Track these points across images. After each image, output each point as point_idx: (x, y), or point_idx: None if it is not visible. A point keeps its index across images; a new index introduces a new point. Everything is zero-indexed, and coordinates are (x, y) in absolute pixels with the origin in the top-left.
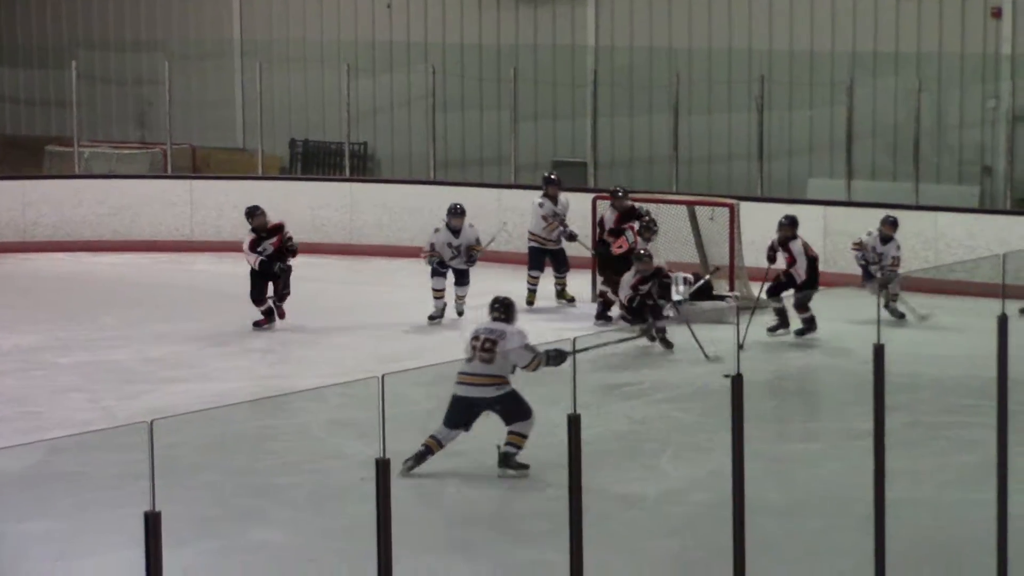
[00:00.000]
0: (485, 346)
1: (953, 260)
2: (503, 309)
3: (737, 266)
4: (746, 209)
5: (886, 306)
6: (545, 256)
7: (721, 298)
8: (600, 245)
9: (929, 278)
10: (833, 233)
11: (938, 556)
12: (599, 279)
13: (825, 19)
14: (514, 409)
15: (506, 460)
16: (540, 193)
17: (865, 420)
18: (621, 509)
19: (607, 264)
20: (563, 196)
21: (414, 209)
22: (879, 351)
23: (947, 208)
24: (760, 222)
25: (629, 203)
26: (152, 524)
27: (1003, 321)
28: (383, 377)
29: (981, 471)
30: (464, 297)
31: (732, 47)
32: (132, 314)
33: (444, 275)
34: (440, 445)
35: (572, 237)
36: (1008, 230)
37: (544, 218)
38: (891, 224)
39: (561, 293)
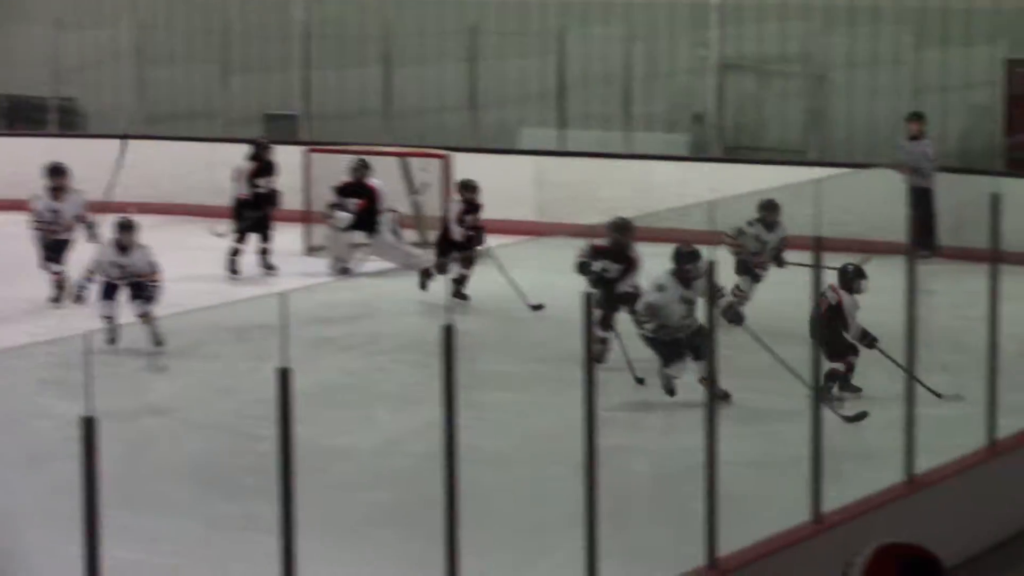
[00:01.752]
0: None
1: (664, 208)
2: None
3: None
4: (459, 160)
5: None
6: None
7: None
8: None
9: (642, 226)
10: (546, 182)
11: (648, 501)
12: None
13: None
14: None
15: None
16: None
17: (578, 366)
18: (334, 462)
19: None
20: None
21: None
22: (588, 299)
23: (659, 156)
24: (473, 173)
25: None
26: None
27: (711, 268)
28: (87, 335)
29: (694, 418)
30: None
31: None
32: None
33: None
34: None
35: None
36: (718, 177)
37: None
38: (773, 208)
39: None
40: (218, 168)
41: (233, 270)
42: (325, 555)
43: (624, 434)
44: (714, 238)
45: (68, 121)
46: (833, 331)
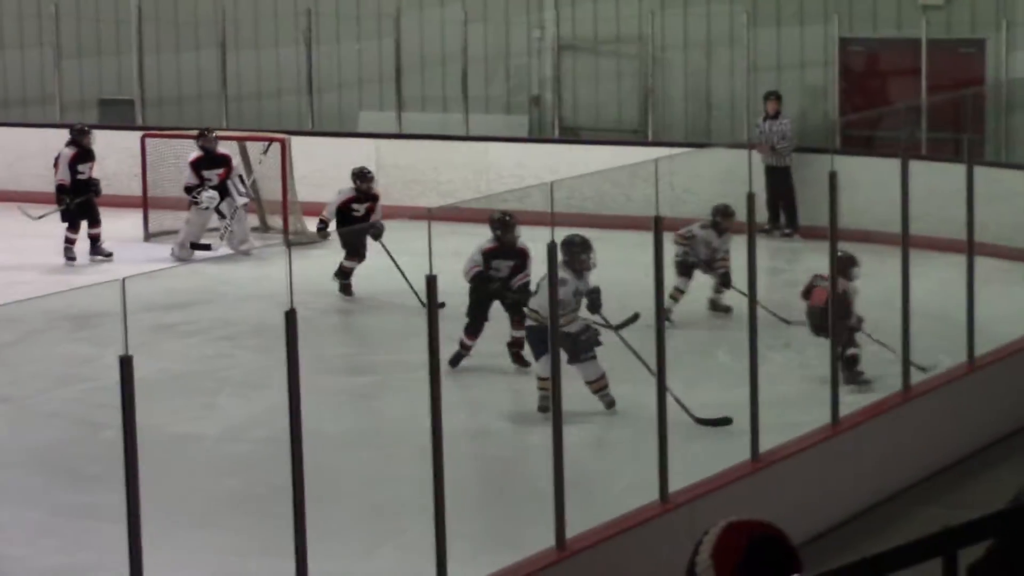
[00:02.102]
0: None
1: (504, 189)
2: (567, 250)
3: (291, 201)
4: (297, 144)
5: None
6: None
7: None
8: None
9: (480, 208)
10: (386, 165)
11: (501, 483)
12: None
13: None
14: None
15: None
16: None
17: (420, 352)
18: (180, 449)
19: None
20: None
21: None
22: (431, 281)
23: (497, 138)
24: (312, 157)
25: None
26: None
27: (552, 249)
28: None
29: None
30: None
31: None
32: None
33: None
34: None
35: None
36: (557, 158)
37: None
38: (728, 215)
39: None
40: (55, 155)
41: (69, 257)
42: (173, 542)
43: (475, 419)
44: (553, 220)
45: None
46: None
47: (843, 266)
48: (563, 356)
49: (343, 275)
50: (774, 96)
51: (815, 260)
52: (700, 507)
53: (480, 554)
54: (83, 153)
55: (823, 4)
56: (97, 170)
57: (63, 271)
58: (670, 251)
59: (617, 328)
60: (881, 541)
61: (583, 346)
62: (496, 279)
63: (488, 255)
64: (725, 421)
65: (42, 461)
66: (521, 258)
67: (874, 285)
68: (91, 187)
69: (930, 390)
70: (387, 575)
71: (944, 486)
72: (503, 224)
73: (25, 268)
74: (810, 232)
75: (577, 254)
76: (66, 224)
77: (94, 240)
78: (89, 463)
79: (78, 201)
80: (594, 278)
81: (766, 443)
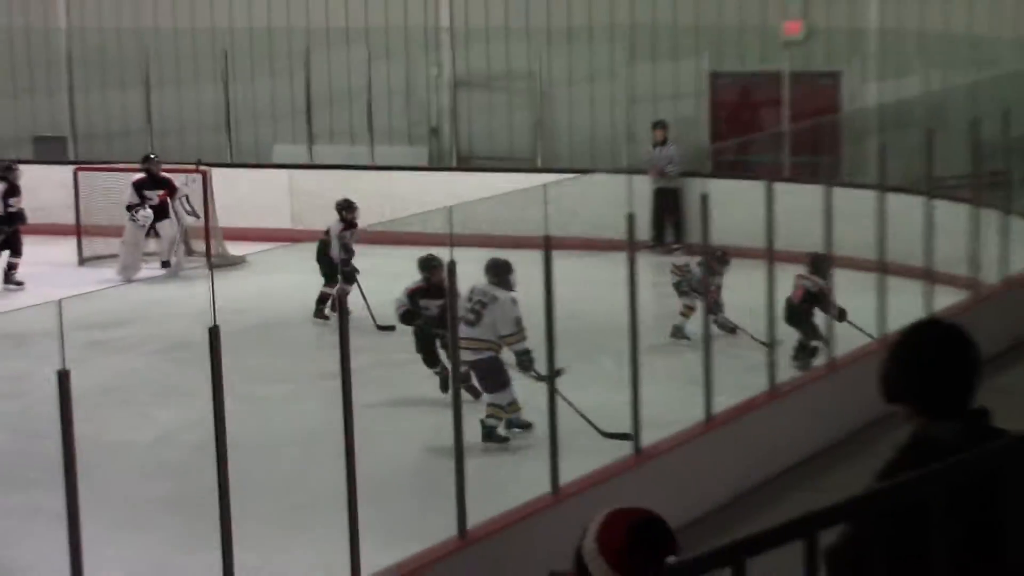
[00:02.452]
0: (474, 308)
1: (407, 214)
2: (495, 271)
3: (213, 227)
4: (217, 175)
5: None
6: None
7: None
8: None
9: (386, 231)
10: (298, 192)
11: (407, 480)
12: None
13: None
14: (491, 378)
15: (489, 434)
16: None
17: (333, 362)
18: (115, 455)
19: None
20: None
21: None
22: (342, 297)
23: (400, 167)
24: (230, 186)
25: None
26: None
27: (451, 267)
28: None
29: (441, 401)
30: None
31: (196, 26)
32: None
33: None
34: (497, 407)
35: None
36: (455, 184)
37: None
38: (724, 261)
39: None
40: None
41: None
42: (110, 541)
43: (384, 423)
44: (454, 240)
45: None
46: (809, 314)
47: (824, 266)
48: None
49: (321, 301)
50: (661, 125)
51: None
52: (587, 498)
53: (390, 544)
54: (11, 188)
55: (695, 40)
56: (33, 201)
57: None
58: (572, 268)
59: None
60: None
61: (525, 365)
62: (423, 316)
63: (415, 294)
64: (627, 436)
65: None
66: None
67: (742, 294)
68: (18, 219)
69: (796, 388)
70: (304, 565)
71: (810, 473)
72: (430, 266)
73: None
74: (688, 248)
75: (505, 274)
76: None
77: (11, 268)
78: (29, 469)
79: (7, 231)
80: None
81: (647, 439)
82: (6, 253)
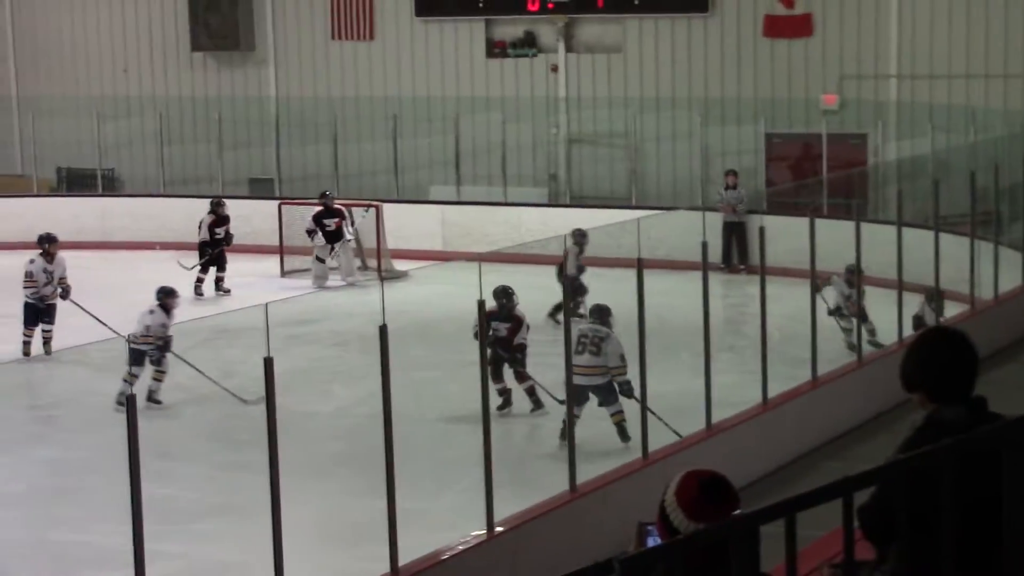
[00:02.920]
0: (594, 341)
1: (531, 240)
2: (600, 313)
3: (382, 248)
4: (387, 208)
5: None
6: (39, 312)
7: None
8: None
9: (514, 253)
10: (448, 222)
11: (529, 446)
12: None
13: (436, 72)
14: (608, 396)
15: (622, 432)
16: (36, 252)
17: (473, 352)
18: (304, 422)
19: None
20: (60, 254)
21: (150, 216)
22: (482, 306)
23: (526, 204)
24: (396, 217)
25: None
26: None
27: (566, 282)
28: (129, 337)
29: (557, 386)
30: (49, 337)
31: (373, 95)
32: None
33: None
34: (576, 417)
35: (66, 295)
36: (568, 218)
37: (30, 274)
38: (852, 272)
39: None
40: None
41: (198, 293)
42: (300, 488)
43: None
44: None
45: (110, 185)
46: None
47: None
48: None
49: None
50: (732, 172)
51: (755, 288)
52: (674, 462)
53: (517, 497)
54: (218, 220)
55: (753, 109)
56: (247, 227)
57: (203, 301)
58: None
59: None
60: (798, 486)
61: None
62: (493, 336)
63: (490, 317)
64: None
65: (209, 431)
66: (516, 323)
67: (789, 305)
68: (224, 243)
69: (831, 379)
70: (448, 511)
71: (842, 446)
72: (505, 294)
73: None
74: (751, 268)
75: (607, 316)
76: (200, 269)
77: (219, 280)
78: (242, 432)
79: (214, 252)
80: (604, 295)
81: (716, 416)
82: (214, 269)
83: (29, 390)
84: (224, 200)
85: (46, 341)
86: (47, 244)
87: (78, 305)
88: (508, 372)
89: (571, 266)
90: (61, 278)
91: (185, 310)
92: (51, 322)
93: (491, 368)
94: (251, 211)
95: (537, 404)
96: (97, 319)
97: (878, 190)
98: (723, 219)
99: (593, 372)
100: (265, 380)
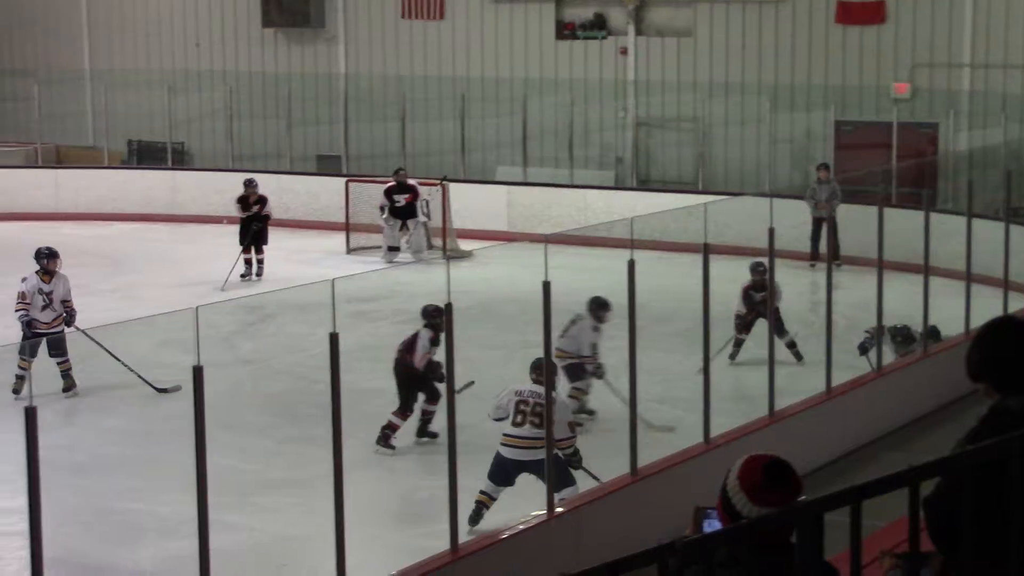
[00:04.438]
0: (536, 410)
1: (597, 223)
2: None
3: (448, 227)
4: (454, 188)
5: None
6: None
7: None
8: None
9: (580, 235)
10: (514, 204)
11: (590, 427)
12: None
13: (505, 53)
14: (559, 479)
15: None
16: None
17: (536, 333)
18: (368, 398)
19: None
20: (62, 272)
21: (219, 190)
22: (546, 287)
23: (592, 186)
24: (463, 197)
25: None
26: (30, 417)
27: (631, 265)
28: (197, 309)
29: (618, 367)
30: (66, 369)
31: (441, 75)
32: (13, 265)
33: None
34: (492, 499)
35: (71, 320)
36: (634, 201)
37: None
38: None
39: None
40: (285, 194)
41: (250, 275)
42: (362, 463)
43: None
44: (633, 244)
45: (179, 159)
46: None
47: None
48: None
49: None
50: (824, 167)
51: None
52: (736, 447)
53: (577, 476)
54: (258, 199)
55: (823, 95)
56: (314, 204)
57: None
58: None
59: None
60: (860, 476)
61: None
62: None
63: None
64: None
65: (273, 405)
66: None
67: (857, 294)
68: (262, 220)
69: (897, 369)
70: (511, 491)
71: (906, 437)
72: (433, 313)
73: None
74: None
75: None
76: (243, 248)
77: (258, 263)
78: (306, 407)
79: (255, 230)
80: (670, 279)
81: (779, 404)
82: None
83: (93, 360)
84: (255, 180)
85: (65, 374)
86: (45, 260)
87: (85, 333)
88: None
89: (585, 343)
90: (64, 301)
91: (244, 288)
92: (62, 353)
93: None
94: (318, 188)
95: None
96: (104, 348)
97: (948, 180)
98: (812, 213)
99: (535, 445)
100: (331, 356)
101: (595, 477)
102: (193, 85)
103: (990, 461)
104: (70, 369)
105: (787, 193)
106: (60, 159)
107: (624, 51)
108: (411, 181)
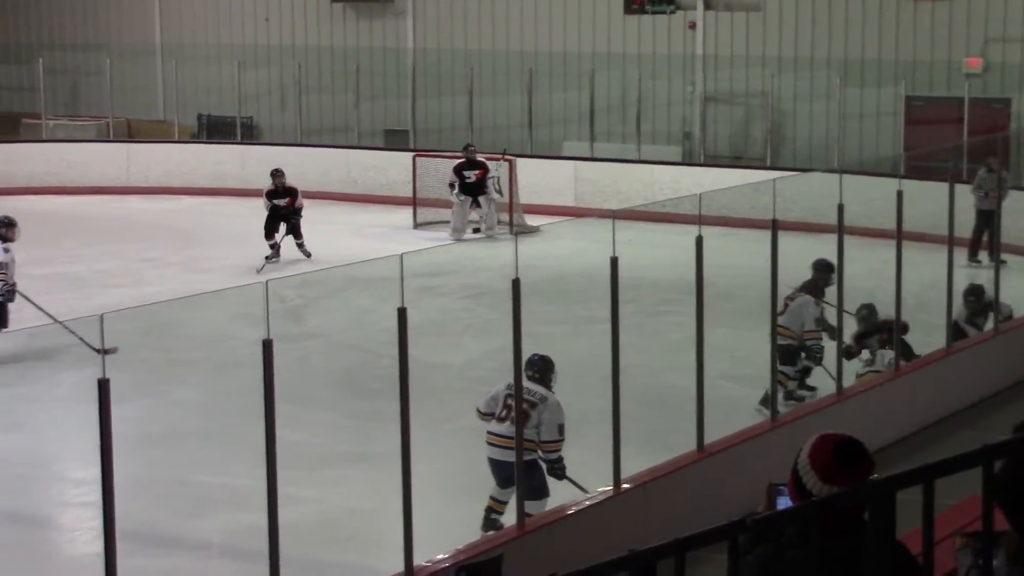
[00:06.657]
0: (524, 406)
1: (664, 198)
2: (541, 368)
3: (515, 203)
4: (521, 163)
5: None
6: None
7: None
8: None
9: (647, 211)
10: (581, 179)
11: (655, 403)
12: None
13: (573, 27)
14: (531, 485)
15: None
16: None
17: (603, 309)
18: (435, 373)
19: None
20: (14, 246)
21: (287, 164)
22: (614, 262)
23: (660, 162)
24: (530, 172)
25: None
26: (103, 389)
27: (699, 241)
28: (267, 283)
29: (684, 344)
30: None
31: (509, 49)
32: (86, 238)
33: None
34: (500, 503)
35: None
36: (702, 177)
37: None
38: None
39: None
40: (353, 168)
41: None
42: (429, 440)
43: (634, 357)
44: (701, 220)
45: (249, 133)
46: None
47: None
48: None
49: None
50: (994, 156)
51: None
52: (801, 425)
53: (642, 453)
54: (288, 190)
55: (893, 71)
56: (381, 178)
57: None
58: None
59: None
60: (931, 454)
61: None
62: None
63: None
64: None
65: (340, 379)
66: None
67: (926, 272)
68: (286, 213)
69: (965, 348)
70: (575, 465)
71: (977, 415)
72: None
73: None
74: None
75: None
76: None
77: (300, 246)
78: (372, 381)
79: (288, 220)
80: (737, 256)
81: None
82: (290, 236)
83: (167, 332)
84: (282, 170)
85: None
86: (3, 229)
87: (24, 296)
88: None
89: (808, 317)
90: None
91: (310, 263)
92: (3, 324)
93: None
94: (386, 163)
95: None
96: (42, 310)
97: (1021, 156)
98: (975, 206)
99: (514, 445)
100: (398, 330)
101: (582, 488)
102: (262, 60)
103: None
104: None
105: (857, 169)
106: (131, 133)
107: (692, 25)
108: (480, 157)
